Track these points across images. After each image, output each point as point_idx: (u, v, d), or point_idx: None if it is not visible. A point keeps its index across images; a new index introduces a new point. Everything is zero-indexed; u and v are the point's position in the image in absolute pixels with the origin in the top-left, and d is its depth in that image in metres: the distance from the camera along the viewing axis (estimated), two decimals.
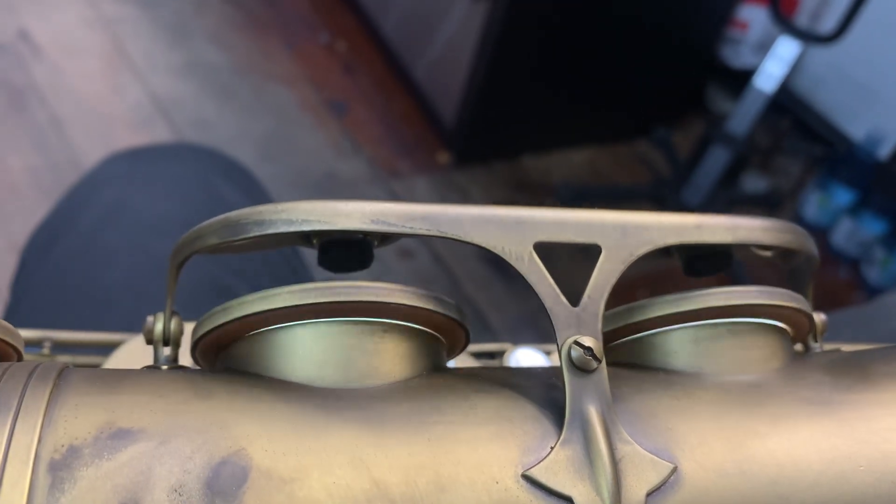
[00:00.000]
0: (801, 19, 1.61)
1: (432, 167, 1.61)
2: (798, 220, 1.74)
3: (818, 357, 0.25)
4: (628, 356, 0.24)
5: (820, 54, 1.70)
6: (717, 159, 1.53)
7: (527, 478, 0.18)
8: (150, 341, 0.23)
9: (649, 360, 0.24)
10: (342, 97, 1.68)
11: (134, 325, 0.35)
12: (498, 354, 0.39)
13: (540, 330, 1.27)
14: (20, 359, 0.22)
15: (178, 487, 0.17)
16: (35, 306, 0.50)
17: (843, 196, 1.67)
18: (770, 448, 0.20)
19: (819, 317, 0.27)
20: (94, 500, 0.16)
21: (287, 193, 1.44)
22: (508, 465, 0.19)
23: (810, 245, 0.25)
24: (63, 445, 0.17)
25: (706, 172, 1.55)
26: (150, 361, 0.23)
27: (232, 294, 0.20)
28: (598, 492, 0.18)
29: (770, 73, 1.42)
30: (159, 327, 0.23)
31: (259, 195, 0.63)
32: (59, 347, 0.38)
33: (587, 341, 0.20)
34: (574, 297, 0.21)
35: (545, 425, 0.20)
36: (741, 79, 1.54)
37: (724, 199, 1.62)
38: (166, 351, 0.23)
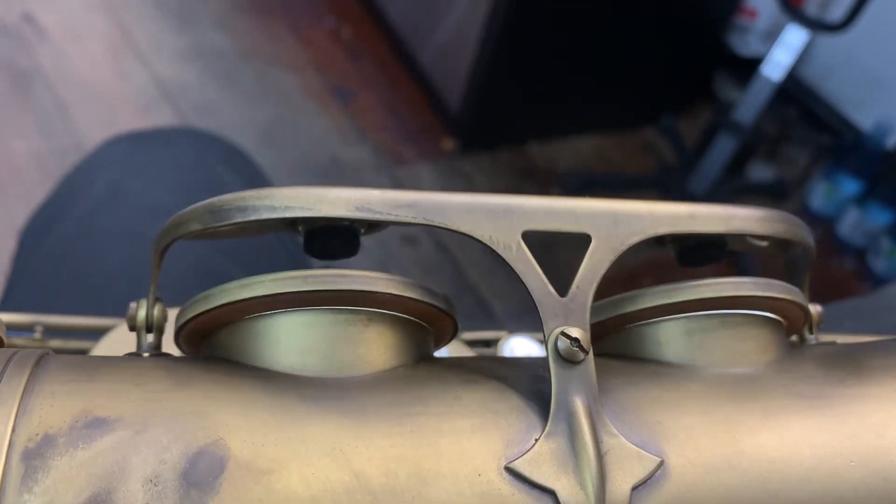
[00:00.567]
0: (810, 7, 1.59)
1: (437, 154, 1.61)
2: (804, 209, 1.73)
3: (812, 350, 0.24)
4: (619, 347, 0.24)
5: (828, 43, 1.69)
6: (723, 148, 1.52)
7: (510, 470, 0.18)
8: (133, 328, 0.23)
9: (640, 351, 0.23)
10: (347, 83, 1.68)
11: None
12: (493, 342, 0.39)
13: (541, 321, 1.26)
14: (2, 345, 0.22)
15: (154, 478, 0.17)
16: (31, 289, 0.50)
17: (849, 186, 1.66)
18: (760, 443, 0.20)
19: (815, 308, 0.27)
20: (68, 490, 0.16)
21: (290, 179, 1.44)
22: (492, 457, 0.18)
23: (807, 235, 0.24)
24: (38, 434, 0.17)
25: (713, 161, 1.54)
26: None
27: (227, 279, 0.20)
28: (583, 485, 0.18)
29: (778, 62, 1.41)
30: (142, 314, 0.23)
31: (259, 181, 0.62)
32: (51, 332, 0.38)
33: (574, 332, 0.20)
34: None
35: (530, 417, 0.19)
36: (749, 67, 1.53)
37: (730, 188, 1.61)
38: (150, 338, 0.23)
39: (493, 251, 0.20)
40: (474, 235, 0.20)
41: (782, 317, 0.24)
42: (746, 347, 0.23)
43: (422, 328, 0.22)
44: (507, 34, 1.44)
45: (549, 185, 1.61)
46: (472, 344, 0.39)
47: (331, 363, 0.20)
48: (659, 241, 0.24)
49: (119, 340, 0.36)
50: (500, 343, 0.38)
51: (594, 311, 0.22)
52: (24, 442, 0.17)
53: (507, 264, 0.20)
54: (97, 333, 0.37)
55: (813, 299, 0.28)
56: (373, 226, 0.22)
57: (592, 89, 1.66)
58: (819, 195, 1.71)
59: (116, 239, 0.51)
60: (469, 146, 1.62)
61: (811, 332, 0.27)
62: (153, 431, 0.17)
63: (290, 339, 0.20)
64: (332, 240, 0.22)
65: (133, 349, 0.23)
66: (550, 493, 0.18)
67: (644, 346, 0.23)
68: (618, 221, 0.21)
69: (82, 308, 0.41)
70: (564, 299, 0.20)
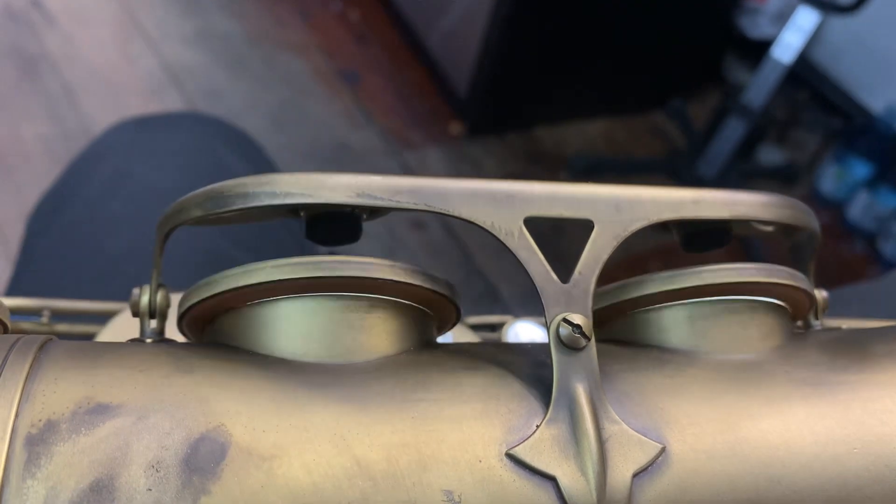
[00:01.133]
0: None
1: (445, 138, 1.60)
2: (814, 193, 1.72)
3: (817, 336, 0.24)
4: (621, 333, 0.23)
5: (840, 25, 1.67)
6: (732, 131, 1.51)
7: (511, 456, 0.18)
8: (136, 314, 0.23)
9: (643, 337, 0.23)
10: (355, 67, 1.67)
11: None
12: (498, 327, 0.39)
13: None
14: (6, 330, 0.22)
15: (156, 464, 0.17)
16: (38, 274, 0.50)
17: (860, 170, 1.65)
18: (763, 429, 0.20)
19: (820, 294, 0.27)
20: (70, 475, 0.16)
21: (298, 164, 1.43)
22: (492, 443, 0.18)
23: (812, 221, 0.24)
24: (40, 420, 0.17)
25: (722, 145, 1.53)
26: None
27: (232, 264, 0.20)
28: (584, 472, 0.18)
29: (788, 44, 1.39)
30: (145, 300, 0.23)
31: (265, 166, 0.62)
32: (59, 316, 0.38)
33: (576, 319, 0.20)
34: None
35: (532, 403, 0.19)
36: (759, 49, 1.52)
37: (739, 172, 1.60)
38: (153, 324, 0.23)
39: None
40: (476, 222, 0.20)
41: (787, 302, 0.24)
42: (750, 334, 0.23)
43: (424, 314, 0.22)
44: (515, 17, 1.44)
45: (556, 170, 1.60)
46: (476, 328, 0.39)
47: (332, 349, 0.20)
48: (663, 226, 0.24)
49: (125, 325, 0.36)
50: (504, 328, 0.38)
51: (597, 297, 0.22)
52: (27, 428, 0.17)
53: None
54: (104, 318, 0.37)
55: (821, 283, 0.28)
56: (375, 212, 0.22)
57: (601, 73, 1.65)
58: (829, 179, 1.70)
59: (123, 223, 0.51)
60: (477, 130, 1.61)
61: (816, 318, 0.27)
62: (155, 417, 0.17)
63: (291, 326, 0.20)
64: (333, 226, 0.22)
65: (137, 335, 0.23)
66: (551, 479, 0.18)
67: (647, 333, 0.23)
68: (621, 207, 0.21)
69: (90, 292, 0.41)
70: (566, 286, 0.20)
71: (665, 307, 0.23)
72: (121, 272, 0.48)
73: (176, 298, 0.24)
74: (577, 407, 0.19)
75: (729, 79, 1.87)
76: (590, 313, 0.20)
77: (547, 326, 0.20)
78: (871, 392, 0.21)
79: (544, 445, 0.18)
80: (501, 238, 0.20)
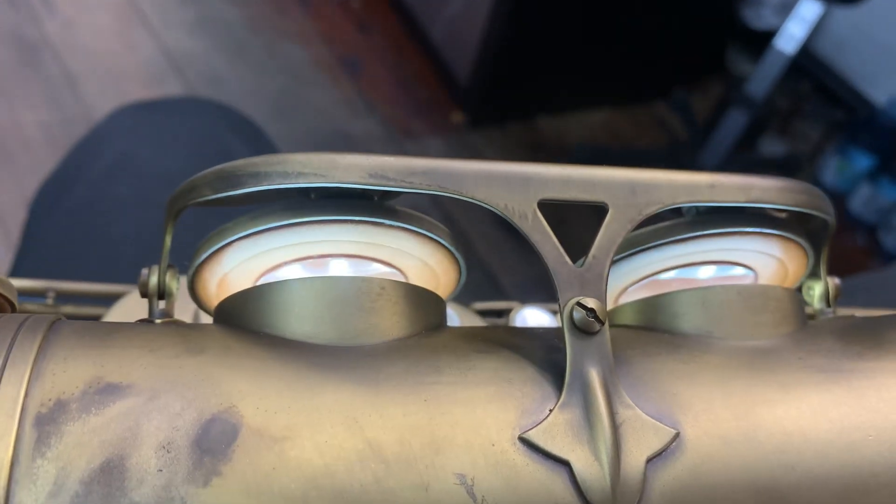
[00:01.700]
0: None
1: (446, 127, 1.60)
2: (816, 184, 1.71)
3: (830, 323, 0.24)
4: (635, 318, 0.23)
5: (843, 16, 1.67)
6: (735, 122, 1.51)
7: (524, 440, 0.18)
8: (144, 294, 0.23)
9: (656, 322, 0.23)
10: (356, 55, 1.66)
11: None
12: (505, 313, 0.39)
13: (551, 292, 1.27)
14: (14, 310, 0.21)
15: (167, 444, 0.17)
16: (42, 257, 0.50)
17: (862, 161, 1.64)
18: (778, 416, 0.20)
19: (832, 281, 0.27)
20: (81, 455, 0.16)
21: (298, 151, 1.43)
22: (506, 427, 0.18)
23: (827, 207, 0.24)
24: (50, 399, 0.17)
25: (724, 135, 1.53)
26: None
27: None
28: (597, 456, 0.18)
29: (791, 35, 1.39)
30: (154, 280, 0.23)
31: (268, 150, 0.62)
32: (64, 298, 0.37)
33: (590, 302, 0.19)
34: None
35: (545, 388, 0.19)
36: (762, 40, 1.51)
37: (741, 163, 1.60)
38: (161, 304, 0.23)
39: (503, 223, 0.20)
40: (490, 204, 0.20)
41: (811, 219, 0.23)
42: (763, 319, 0.22)
43: (434, 297, 0.22)
44: (517, 7, 1.43)
45: (558, 160, 1.60)
46: (483, 314, 0.39)
47: (343, 331, 0.20)
48: (677, 211, 0.23)
49: (131, 307, 0.36)
50: (512, 314, 0.38)
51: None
52: (37, 407, 0.17)
53: (518, 236, 0.20)
54: (109, 300, 0.37)
55: None
56: (386, 194, 0.21)
57: (603, 63, 1.65)
58: (831, 170, 1.69)
59: (127, 206, 0.51)
60: (478, 119, 1.61)
61: (829, 305, 0.27)
62: (166, 398, 0.17)
63: (303, 307, 0.20)
64: None
65: (145, 316, 0.23)
66: (565, 463, 0.18)
67: (660, 318, 0.23)
68: (636, 191, 0.21)
69: (94, 275, 0.41)
70: (580, 269, 0.20)
71: (678, 292, 0.23)
72: (125, 254, 0.48)
73: (184, 280, 0.23)
74: (590, 391, 0.19)
75: (731, 70, 1.86)
76: (604, 297, 0.20)
77: (560, 310, 0.20)
78: (885, 379, 0.21)
79: (558, 430, 0.18)
80: (515, 221, 0.20)
